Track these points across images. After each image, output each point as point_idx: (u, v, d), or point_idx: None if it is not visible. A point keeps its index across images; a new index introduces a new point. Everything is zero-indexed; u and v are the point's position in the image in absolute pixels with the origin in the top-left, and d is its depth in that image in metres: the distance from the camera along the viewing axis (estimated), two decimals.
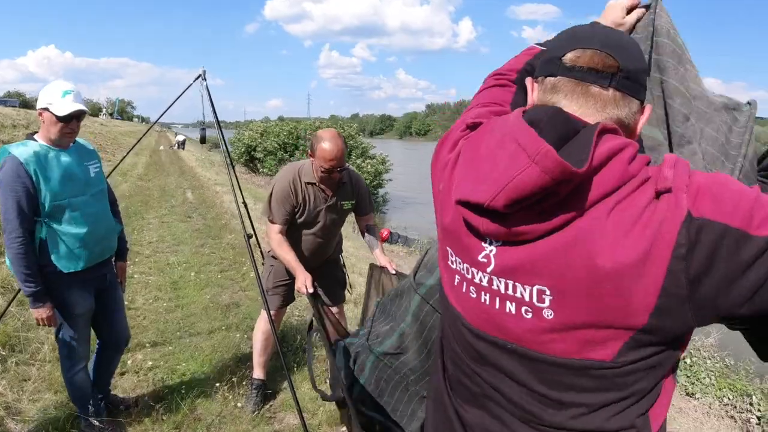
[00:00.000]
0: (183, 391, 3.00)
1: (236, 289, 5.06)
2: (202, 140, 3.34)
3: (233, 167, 3.29)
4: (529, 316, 0.79)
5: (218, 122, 3.08)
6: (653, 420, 0.80)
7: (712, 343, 5.86)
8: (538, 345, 0.79)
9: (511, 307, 0.81)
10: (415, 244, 12.70)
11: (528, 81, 0.93)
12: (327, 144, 2.53)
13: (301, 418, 2.44)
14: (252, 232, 3.00)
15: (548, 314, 0.77)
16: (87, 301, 2.41)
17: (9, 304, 3.15)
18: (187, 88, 2.87)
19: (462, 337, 0.92)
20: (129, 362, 3.34)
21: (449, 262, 0.93)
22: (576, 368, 0.77)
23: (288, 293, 3.08)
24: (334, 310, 3.03)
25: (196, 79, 2.82)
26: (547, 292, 0.76)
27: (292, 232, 2.83)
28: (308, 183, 2.71)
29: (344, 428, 2.80)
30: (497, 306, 0.83)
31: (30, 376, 3.15)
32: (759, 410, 4.69)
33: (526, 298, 0.78)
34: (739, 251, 0.67)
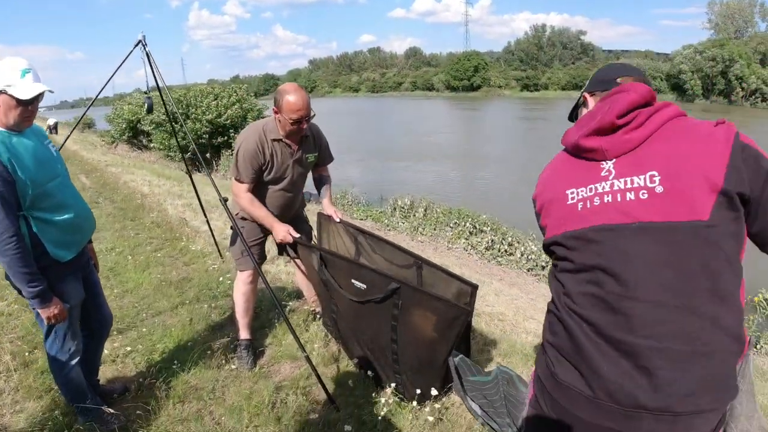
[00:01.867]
0: (174, 367, 2.99)
1: (180, 265, 4.92)
2: (149, 110, 3.16)
3: (184, 149, 3.19)
4: (645, 196, 1.16)
5: (159, 89, 2.95)
6: (741, 295, 1.15)
7: None
8: (656, 215, 1.14)
9: (630, 195, 1.18)
10: (345, 197, 12.92)
11: (585, 96, 1.46)
12: (292, 96, 2.58)
13: (311, 364, 2.58)
14: (223, 197, 2.96)
15: (659, 189, 1.15)
16: (79, 290, 2.29)
17: None
18: (127, 57, 2.71)
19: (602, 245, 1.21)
20: (104, 352, 3.23)
21: (568, 202, 1.30)
22: (685, 229, 1.11)
23: (261, 252, 3.13)
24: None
25: (136, 45, 2.66)
26: (656, 174, 1.16)
27: (260, 191, 2.86)
28: (274, 140, 2.75)
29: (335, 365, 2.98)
30: (619, 199, 1.19)
31: (1, 390, 2.94)
32: None
33: (642, 184, 1.17)
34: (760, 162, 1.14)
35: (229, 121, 18.14)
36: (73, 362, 2.40)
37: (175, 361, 3.05)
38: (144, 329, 3.53)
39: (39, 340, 3.49)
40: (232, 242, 3.09)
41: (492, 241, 9.83)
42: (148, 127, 20.32)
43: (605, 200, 1.20)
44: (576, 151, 1.32)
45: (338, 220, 2.98)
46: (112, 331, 3.56)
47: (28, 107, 2.01)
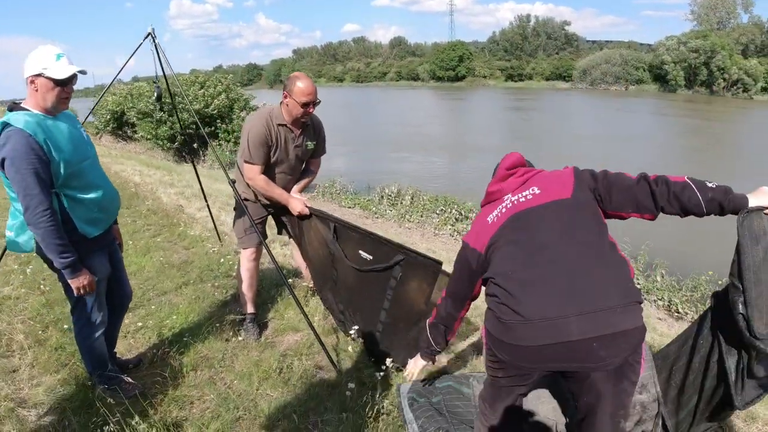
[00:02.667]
0: (184, 340, 3.21)
1: (180, 249, 5.12)
2: (158, 98, 3.35)
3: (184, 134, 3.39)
4: (530, 197, 1.83)
5: (167, 79, 3.13)
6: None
7: None
8: (541, 201, 1.81)
9: (522, 198, 1.84)
10: (317, 189, 13.07)
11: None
12: (302, 82, 2.87)
13: (314, 331, 2.83)
14: (231, 179, 3.17)
15: (538, 192, 1.83)
16: (105, 266, 2.50)
17: None
18: (137, 48, 2.88)
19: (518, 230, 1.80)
20: None
21: (488, 220, 1.90)
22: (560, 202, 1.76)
23: (263, 231, 3.35)
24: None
25: (146, 37, 2.84)
26: (536, 188, 1.85)
27: (265, 173, 3.08)
28: (279, 124, 2.99)
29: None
30: (515, 202, 1.85)
31: (16, 367, 3.10)
32: None
33: (527, 192, 1.85)
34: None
35: (216, 111, 18.10)
36: (98, 333, 2.60)
37: (186, 335, 3.27)
38: (152, 307, 3.74)
39: (50, 320, 3.67)
40: (236, 222, 3.31)
41: None
42: (132, 118, 20.19)
43: (506, 208, 1.86)
44: (487, 198, 2.02)
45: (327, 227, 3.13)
46: None
47: (64, 88, 2.19)
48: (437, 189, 13.24)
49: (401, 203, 11.63)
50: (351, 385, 2.68)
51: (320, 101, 2.97)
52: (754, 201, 1.64)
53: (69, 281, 2.30)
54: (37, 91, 2.15)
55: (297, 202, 3.10)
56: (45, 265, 4.56)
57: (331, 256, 3.03)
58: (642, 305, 1.62)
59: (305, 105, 2.89)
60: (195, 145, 16.20)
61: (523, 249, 1.71)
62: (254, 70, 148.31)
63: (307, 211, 3.08)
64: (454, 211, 10.64)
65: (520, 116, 39.99)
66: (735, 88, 59.39)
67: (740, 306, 1.68)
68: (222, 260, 4.62)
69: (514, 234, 1.76)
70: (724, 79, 59.93)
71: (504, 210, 1.84)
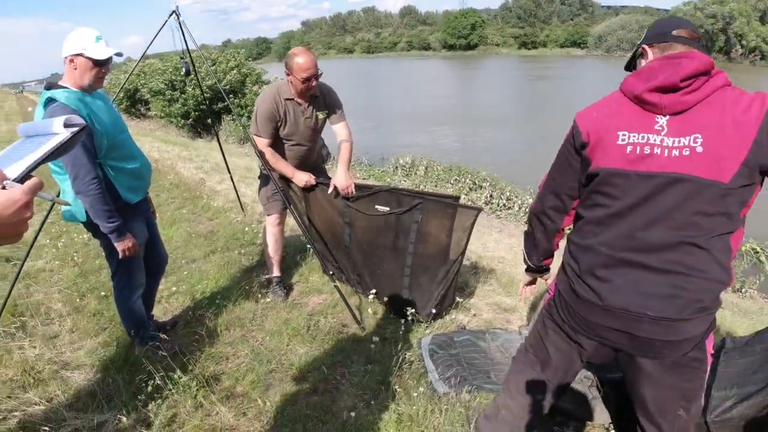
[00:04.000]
0: (216, 302, 3.41)
1: (204, 220, 5.32)
2: (187, 73, 3.50)
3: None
4: (687, 153, 1.40)
5: (191, 57, 3.26)
6: (734, 242, 1.47)
7: None
8: (692, 170, 1.39)
9: (676, 153, 1.41)
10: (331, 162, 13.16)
11: (644, 47, 1.59)
12: (300, 58, 2.96)
13: (339, 291, 3.00)
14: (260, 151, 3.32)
15: (699, 150, 1.38)
16: (144, 231, 2.68)
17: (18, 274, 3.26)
18: (162, 26, 2.99)
19: (634, 189, 1.48)
20: None
21: (622, 145, 1.49)
22: (717, 188, 1.38)
23: (284, 198, 3.51)
24: None
25: (170, 15, 2.95)
26: (700, 137, 1.39)
27: (279, 146, 3.25)
28: (287, 99, 3.13)
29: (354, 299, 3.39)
30: (666, 154, 1.43)
31: (57, 333, 3.29)
32: None
33: (687, 143, 1.40)
34: None
35: (228, 86, 18.17)
36: (137, 295, 2.80)
37: (217, 298, 3.47)
38: (184, 273, 3.95)
39: (86, 289, 3.89)
40: (260, 191, 3.47)
41: (491, 195, 10.22)
42: (145, 96, 20.34)
43: (654, 152, 1.44)
44: (637, 102, 1.49)
45: (341, 194, 3.22)
46: None
47: (101, 68, 2.35)
48: (451, 160, 13.28)
49: (415, 174, 11.73)
50: (375, 339, 2.87)
51: (322, 73, 3.07)
52: None
53: (115, 244, 2.48)
54: (75, 69, 2.30)
55: (302, 175, 3.25)
56: (76, 239, 4.83)
57: (344, 222, 3.23)
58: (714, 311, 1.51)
59: (306, 80, 2.99)
60: (209, 121, 16.34)
61: (631, 224, 1.49)
62: (263, 43, 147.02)
63: (312, 182, 3.24)
64: (468, 180, 10.71)
65: (535, 85, 39.39)
66: (753, 55, 57.65)
67: None
68: (246, 229, 4.81)
69: (632, 196, 1.48)
70: (742, 46, 58.16)
71: (648, 150, 1.45)
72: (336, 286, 3.05)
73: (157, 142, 12.52)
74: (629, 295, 1.50)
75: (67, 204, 2.26)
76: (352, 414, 2.35)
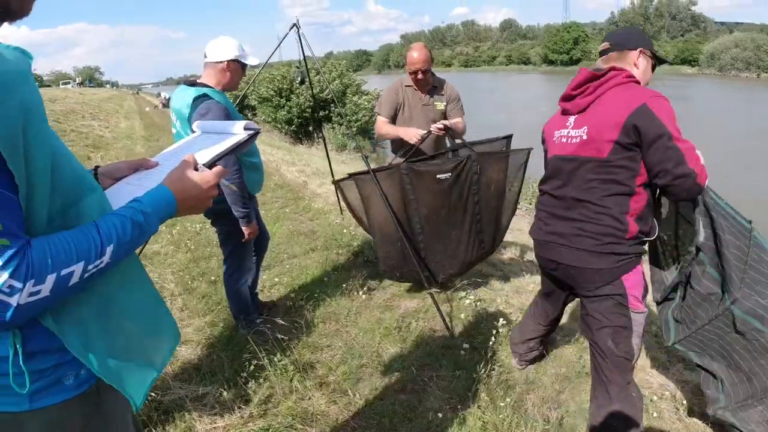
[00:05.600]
0: (315, 296, 3.62)
1: (305, 220, 5.64)
2: (302, 81, 3.83)
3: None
4: (577, 141, 2.05)
5: (307, 68, 3.54)
6: (632, 203, 1.96)
7: None
8: (579, 152, 2.04)
9: (575, 140, 2.07)
10: None
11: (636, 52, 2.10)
12: (411, 52, 3.39)
13: (433, 298, 3.08)
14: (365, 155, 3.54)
15: (585, 137, 2.01)
16: (255, 219, 2.96)
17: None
18: (284, 38, 3.30)
19: (558, 167, 2.17)
20: None
21: (553, 140, 2.20)
22: (596, 162, 1.96)
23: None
24: None
25: (291, 28, 3.22)
26: (587, 128, 2.00)
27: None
28: (407, 86, 3.48)
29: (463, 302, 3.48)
30: (568, 141, 2.11)
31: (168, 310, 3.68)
32: None
33: (580, 134, 2.04)
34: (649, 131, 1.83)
35: (330, 96, 18.98)
36: (245, 279, 3.06)
37: (315, 292, 3.68)
38: (285, 267, 4.23)
39: (197, 273, 4.27)
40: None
41: None
42: (253, 102, 21.73)
43: (562, 141, 2.15)
44: (562, 109, 2.22)
45: (440, 127, 3.29)
46: None
47: (243, 72, 2.71)
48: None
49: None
50: (465, 346, 2.90)
51: (428, 69, 3.38)
52: None
53: (243, 228, 2.74)
54: (227, 72, 2.63)
55: (409, 130, 3.38)
56: (189, 228, 5.28)
57: (407, 205, 3.26)
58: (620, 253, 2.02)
59: (413, 72, 3.39)
60: (311, 128, 17.16)
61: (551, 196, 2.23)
62: (363, 55, 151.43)
63: (418, 137, 3.28)
64: None
65: None
66: None
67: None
68: (345, 231, 5.03)
69: (553, 170, 2.21)
70: None
71: (562, 140, 2.15)
72: (430, 293, 3.12)
73: (262, 145, 13.34)
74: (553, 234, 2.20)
75: (236, 190, 2.56)
76: (439, 415, 2.40)
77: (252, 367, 2.73)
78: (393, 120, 3.54)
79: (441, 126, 3.24)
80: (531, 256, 5.06)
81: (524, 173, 3.31)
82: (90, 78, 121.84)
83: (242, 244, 2.89)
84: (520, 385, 2.67)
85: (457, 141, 3.48)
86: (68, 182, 0.92)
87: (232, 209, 2.66)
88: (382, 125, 3.54)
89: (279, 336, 3.08)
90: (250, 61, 2.69)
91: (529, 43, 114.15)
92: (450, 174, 3.14)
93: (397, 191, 3.24)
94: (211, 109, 2.45)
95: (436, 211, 3.27)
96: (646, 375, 2.90)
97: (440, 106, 3.54)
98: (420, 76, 3.37)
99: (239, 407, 2.49)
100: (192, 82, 2.67)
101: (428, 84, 3.49)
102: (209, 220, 3.00)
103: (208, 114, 2.45)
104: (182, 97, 2.59)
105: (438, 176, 3.14)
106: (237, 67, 2.65)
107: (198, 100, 2.51)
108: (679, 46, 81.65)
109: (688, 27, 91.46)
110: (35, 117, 0.83)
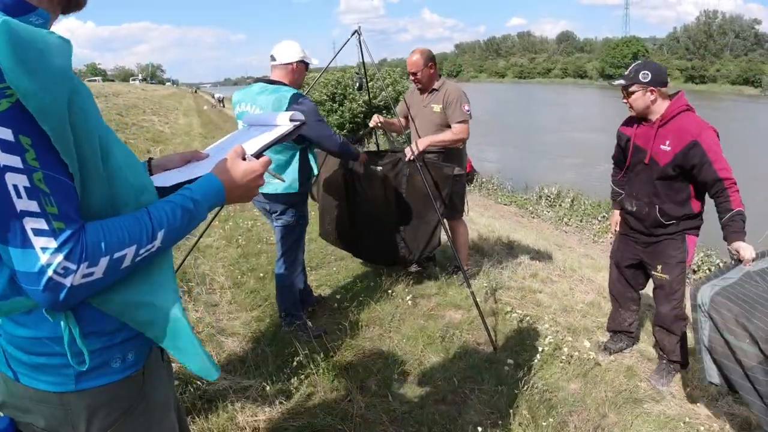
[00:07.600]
0: (360, 299, 3.65)
1: None
2: (360, 87, 3.93)
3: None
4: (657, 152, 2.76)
5: (366, 75, 3.63)
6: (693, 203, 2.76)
7: None
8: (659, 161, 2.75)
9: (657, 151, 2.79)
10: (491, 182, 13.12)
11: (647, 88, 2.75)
12: (410, 55, 3.72)
13: (479, 308, 3.05)
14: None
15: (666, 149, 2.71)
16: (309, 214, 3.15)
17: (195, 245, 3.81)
18: (345, 44, 3.36)
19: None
20: None
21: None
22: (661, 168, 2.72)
23: None
24: None
25: (353, 34, 3.28)
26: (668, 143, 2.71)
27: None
28: (417, 89, 3.87)
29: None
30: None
31: (217, 302, 3.73)
32: None
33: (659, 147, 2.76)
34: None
35: (382, 103, 19.15)
36: (298, 272, 3.22)
37: (360, 295, 3.71)
38: (333, 269, 4.29)
39: (247, 268, 4.39)
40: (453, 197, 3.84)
41: None
42: None
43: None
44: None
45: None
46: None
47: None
48: (599, 196, 12.57)
49: (560, 205, 11.30)
50: (510, 362, 2.86)
51: (422, 72, 3.66)
52: None
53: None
54: (294, 72, 2.86)
55: (375, 117, 3.73)
56: (241, 224, 5.43)
57: (347, 186, 3.71)
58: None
59: (411, 74, 3.73)
60: (361, 132, 17.32)
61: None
62: None
63: (373, 123, 3.75)
64: None
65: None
66: None
67: None
68: None
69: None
70: None
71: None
72: (476, 303, 3.10)
73: None
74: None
75: (283, 180, 2.68)
76: (479, 429, 2.37)
77: (295, 364, 2.78)
78: (406, 118, 3.93)
79: (376, 121, 3.68)
80: (582, 274, 4.94)
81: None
82: (152, 75, 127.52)
83: (300, 238, 3.11)
84: (563, 405, 2.60)
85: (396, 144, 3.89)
86: (123, 173, 0.95)
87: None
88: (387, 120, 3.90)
89: (323, 336, 3.15)
90: (312, 61, 2.93)
91: (587, 56, 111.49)
92: (381, 168, 3.54)
93: (343, 172, 3.70)
94: (305, 101, 2.76)
95: (368, 200, 3.67)
96: (694, 406, 2.78)
97: (436, 108, 3.72)
98: (416, 78, 3.69)
99: (281, 402, 2.55)
100: (270, 81, 2.86)
101: (426, 87, 3.75)
102: (269, 214, 3.08)
103: (304, 105, 2.72)
104: (267, 94, 2.79)
105: (372, 166, 3.56)
106: (302, 67, 2.90)
107: (294, 99, 2.75)
108: (742, 65, 77.95)
109: (751, 46, 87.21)
110: (82, 107, 0.86)
